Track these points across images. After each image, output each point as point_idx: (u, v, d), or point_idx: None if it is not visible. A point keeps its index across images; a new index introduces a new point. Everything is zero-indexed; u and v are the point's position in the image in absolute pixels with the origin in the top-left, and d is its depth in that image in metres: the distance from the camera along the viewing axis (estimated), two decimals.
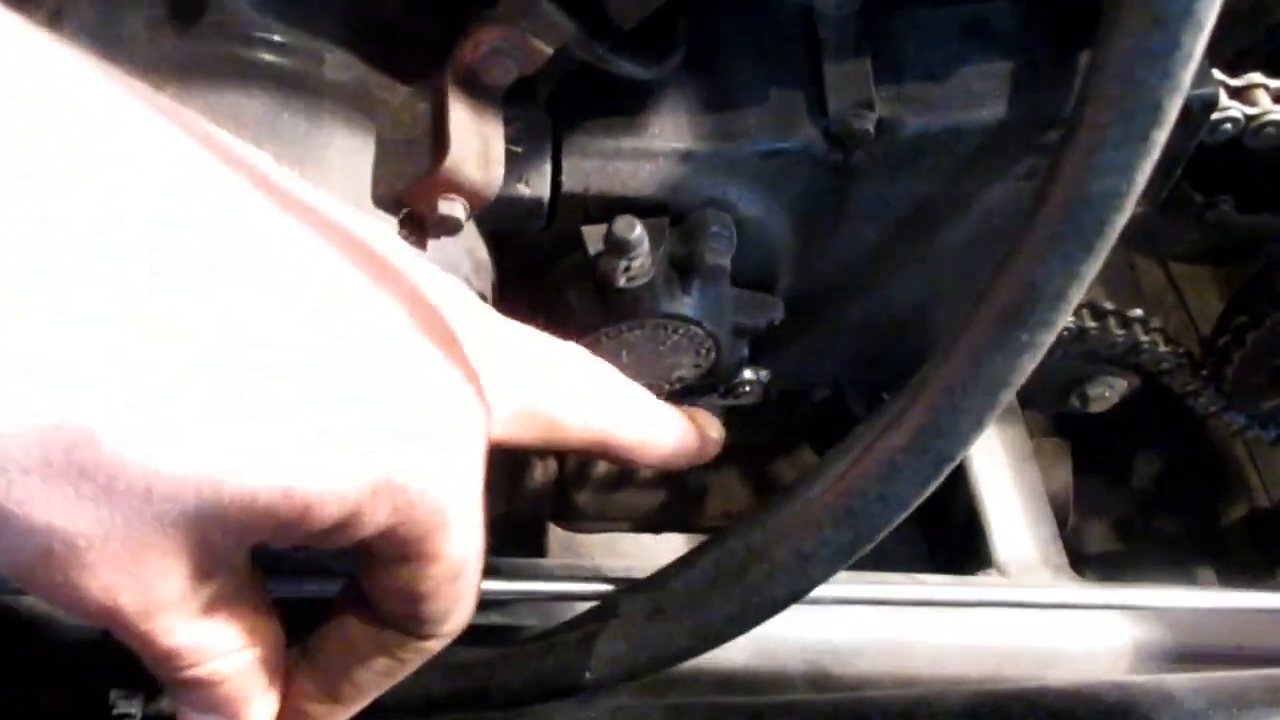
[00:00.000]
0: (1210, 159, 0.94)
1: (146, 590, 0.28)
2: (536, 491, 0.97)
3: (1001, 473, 0.83)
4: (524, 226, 0.53)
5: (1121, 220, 0.32)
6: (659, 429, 0.50)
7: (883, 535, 0.40)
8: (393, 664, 0.38)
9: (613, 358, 0.58)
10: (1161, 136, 0.30)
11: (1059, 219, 0.32)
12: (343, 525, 0.31)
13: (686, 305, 0.55)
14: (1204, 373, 1.00)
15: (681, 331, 0.56)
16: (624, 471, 0.96)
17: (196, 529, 0.28)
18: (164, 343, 0.27)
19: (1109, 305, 0.93)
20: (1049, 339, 0.34)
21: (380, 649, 0.37)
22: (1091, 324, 0.91)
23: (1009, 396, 0.36)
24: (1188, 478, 1.45)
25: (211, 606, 0.31)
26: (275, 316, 0.29)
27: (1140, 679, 0.49)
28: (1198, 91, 0.52)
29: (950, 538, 0.83)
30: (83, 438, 0.25)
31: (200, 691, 0.33)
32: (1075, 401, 0.99)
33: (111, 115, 0.28)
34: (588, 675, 0.47)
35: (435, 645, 0.38)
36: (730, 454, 1.01)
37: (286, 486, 0.28)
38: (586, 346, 0.56)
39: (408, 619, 0.36)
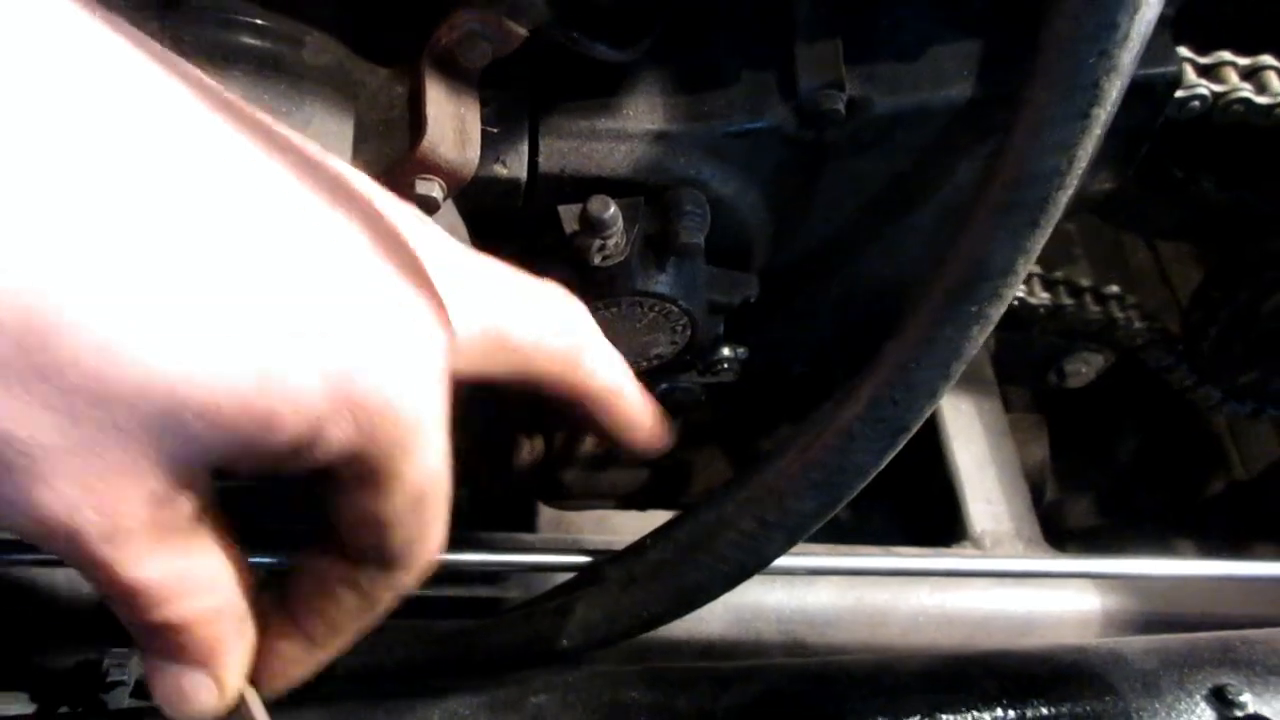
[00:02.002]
0: (1191, 136, 0.95)
1: (108, 510, 0.28)
2: (523, 470, 0.98)
3: (977, 448, 0.85)
4: (502, 206, 0.54)
5: (1065, 196, 0.33)
6: (627, 385, 0.50)
7: (844, 503, 0.42)
8: (364, 601, 0.36)
9: None
10: (1102, 114, 0.32)
11: (1004, 196, 0.33)
12: (306, 443, 0.30)
13: (661, 283, 0.56)
14: (1180, 348, 1.02)
15: (657, 309, 0.58)
16: (609, 450, 0.98)
17: (158, 441, 0.27)
18: (124, 245, 0.26)
19: (1085, 282, 0.94)
20: (998, 312, 0.36)
21: (351, 586, 0.36)
22: (1068, 300, 0.92)
23: (961, 368, 0.37)
24: (1168, 454, 1.47)
25: (177, 536, 0.30)
26: (232, 225, 0.29)
27: (1095, 642, 0.51)
28: (1160, 69, 0.53)
29: (927, 512, 0.84)
30: (41, 336, 0.25)
31: (170, 638, 0.32)
32: (1053, 377, 1.01)
33: (79, 30, 0.28)
34: (565, 642, 0.49)
35: (406, 579, 0.36)
36: (712, 432, 1.03)
37: (245, 394, 0.28)
38: None
39: (375, 550, 0.35)
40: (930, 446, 0.85)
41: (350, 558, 0.35)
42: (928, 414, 0.38)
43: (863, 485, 0.41)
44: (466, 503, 0.93)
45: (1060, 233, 1.11)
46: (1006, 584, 0.73)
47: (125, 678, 0.51)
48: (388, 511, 0.34)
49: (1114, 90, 0.31)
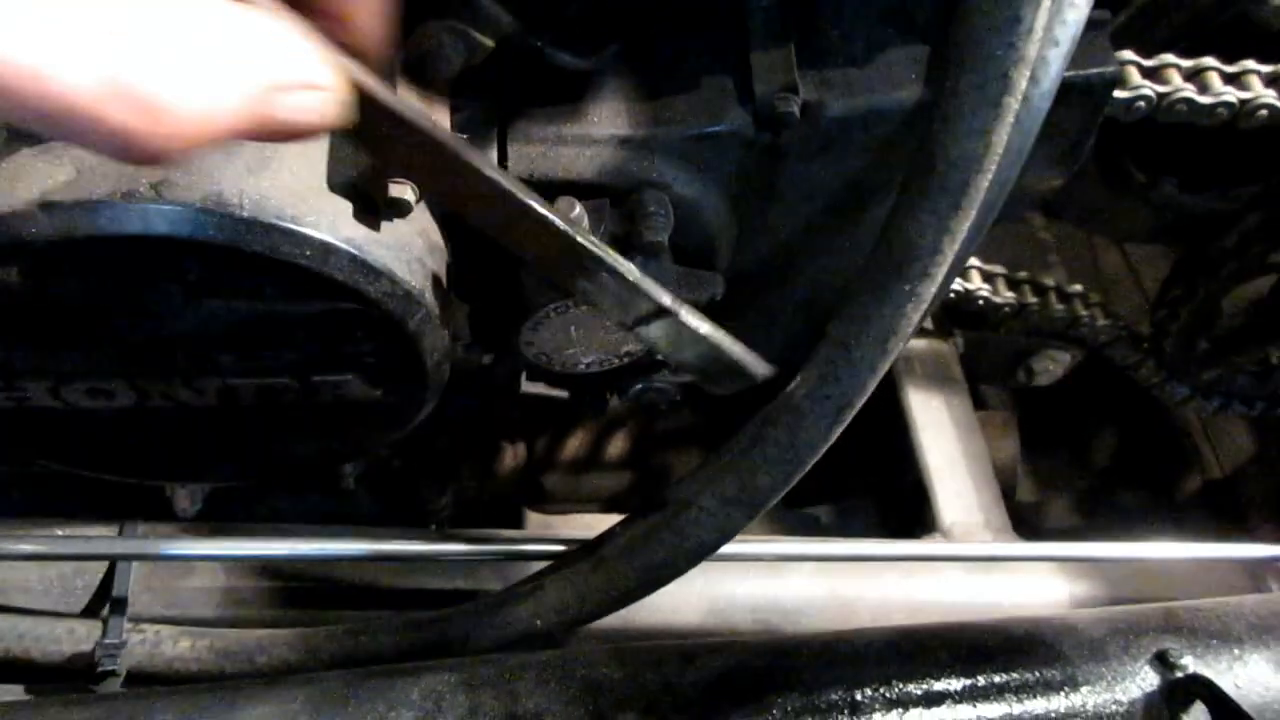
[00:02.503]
0: (1149, 140, 0.98)
1: None
2: (506, 475, 1.00)
3: (947, 444, 0.87)
4: None
5: (984, 180, 0.36)
6: None
7: (796, 478, 0.44)
8: None
9: (561, 333, 0.61)
10: (1013, 104, 0.34)
11: (927, 181, 0.35)
12: None
13: None
14: (1145, 346, 1.05)
15: None
16: (591, 454, 1.00)
17: None
18: None
19: (1049, 281, 0.97)
20: (929, 290, 0.38)
21: None
22: (1032, 299, 0.95)
23: (899, 345, 0.39)
24: (1144, 454, 1.50)
25: None
26: None
27: (1049, 615, 0.53)
28: (1098, 70, 0.56)
29: (900, 506, 0.86)
30: None
31: None
32: (1021, 375, 1.03)
33: None
34: (538, 623, 0.51)
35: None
36: (692, 435, 1.05)
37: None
38: (537, 323, 0.60)
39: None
40: (901, 443, 0.87)
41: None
42: (869, 390, 0.41)
43: (814, 459, 0.43)
44: (452, 508, 0.95)
45: (1035, 240, 1.13)
46: (975, 572, 0.75)
47: (116, 668, 0.52)
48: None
49: (1022, 80, 0.33)
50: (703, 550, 0.46)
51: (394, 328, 0.53)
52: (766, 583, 0.71)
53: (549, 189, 0.57)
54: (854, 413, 0.41)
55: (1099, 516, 1.44)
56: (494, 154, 0.56)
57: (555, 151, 0.56)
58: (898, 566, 0.73)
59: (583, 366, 0.64)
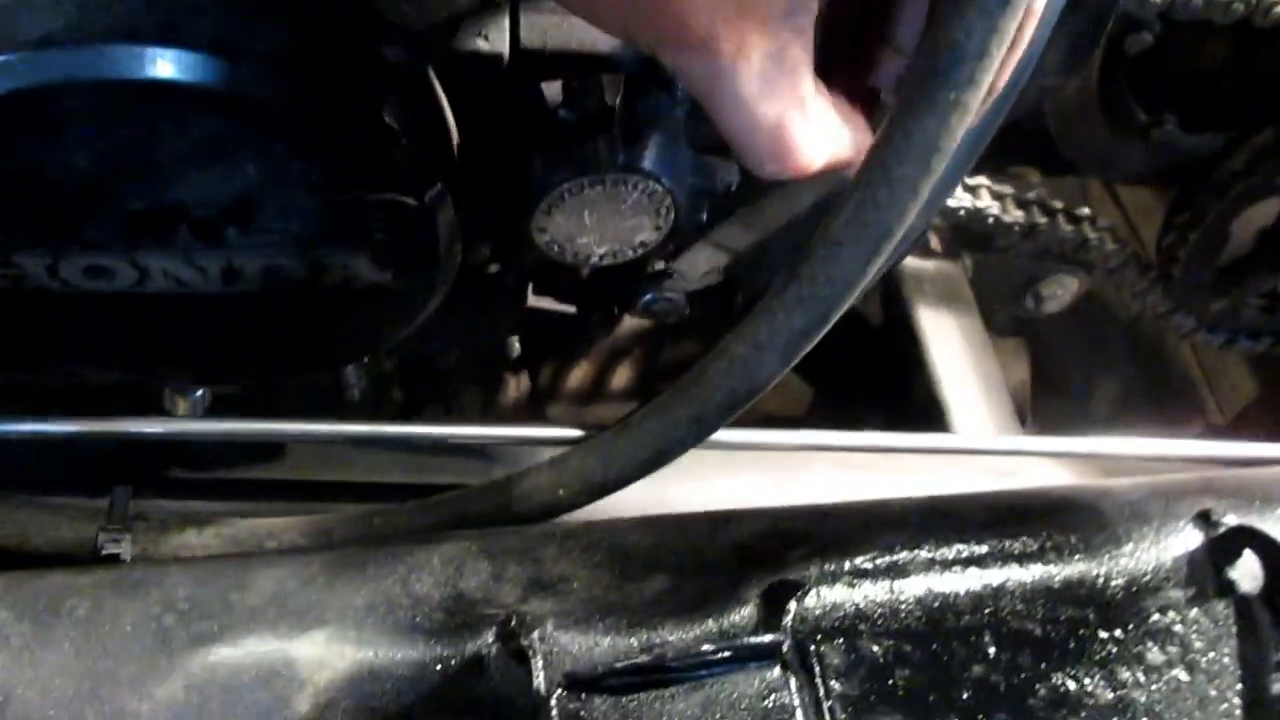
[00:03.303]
0: (1156, 79, 0.97)
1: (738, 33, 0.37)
2: (509, 407, 0.98)
3: (959, 358, 0.86)
4: (484, 81, 0.55)
5: None
6: None
7: (835, 318, 0.42)
8: None
9: (575, 218, 0.60)
10: None
11: None
12: None
13: (645, 159, 0.57)
14: (1151, 273, 1.04)
15: (640, 188, 0.58)
16: (596, 384, 0.98)
17: None
18: None
19: (1058, 203, 0.96)
20: (975, 99, 0.36)
21: None
22: (1041, 219, 0.94)
23: (942, 163, 0.38)
24: (1144, 400, 1.49)
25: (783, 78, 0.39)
26: None
27: (1085, 482, 0.52)
28: None
29: (912, 418, 0.85)
30: None
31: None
32: (1029, 302, 1.02)
33: None
34: (561, 493, 0.49)
35: None
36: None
37: None
38: (549, 205, 0.59)
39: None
40: (911, 357, 0.86)
41: None
42: (911, 216, 0.39)
43: (851, 296, 0.41)
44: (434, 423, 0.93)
45: (1027, 184, 1.12)
46: (993, 476, 0.73)
47: (120, 553, 0.50)
48: None
49: None
50: (734, 402, 0.44)
51: (409, 199, 0.52)
52: (782, 481, 0.69)
53: (564, 61, 0.55)
54: (894, 244, 0.40)
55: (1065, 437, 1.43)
56: (506, 22, 0.54)
57: (570, 22, 0.55)
58: (914, 469, 0.72)
59: (596, 257, 0.63)
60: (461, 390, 0.93)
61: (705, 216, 0.64)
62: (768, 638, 0.39)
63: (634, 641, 0.42)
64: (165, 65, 0.44)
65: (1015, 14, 0.35)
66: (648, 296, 0.74)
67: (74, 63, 0.43)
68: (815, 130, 0.40)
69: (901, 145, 0.38)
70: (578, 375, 0.97)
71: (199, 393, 0.69)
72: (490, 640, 0.42)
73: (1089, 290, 1.09)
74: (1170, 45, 0.93)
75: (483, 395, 0.95)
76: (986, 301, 0.98)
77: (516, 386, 0.97)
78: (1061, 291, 1.01)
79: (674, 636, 0.43)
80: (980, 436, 0.74)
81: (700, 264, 0.73)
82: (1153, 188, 1.38)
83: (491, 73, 0.55)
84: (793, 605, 0.41)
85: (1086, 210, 0.98)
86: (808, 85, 0.40)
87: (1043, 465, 0.73)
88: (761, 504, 0.69)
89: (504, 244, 0.65)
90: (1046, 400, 1.35)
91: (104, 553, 0.50)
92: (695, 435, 0.46)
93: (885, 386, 0.89)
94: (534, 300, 0.77)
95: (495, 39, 0.54)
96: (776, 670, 0.40)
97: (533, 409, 0.98)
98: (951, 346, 0.86)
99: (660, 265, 0.73)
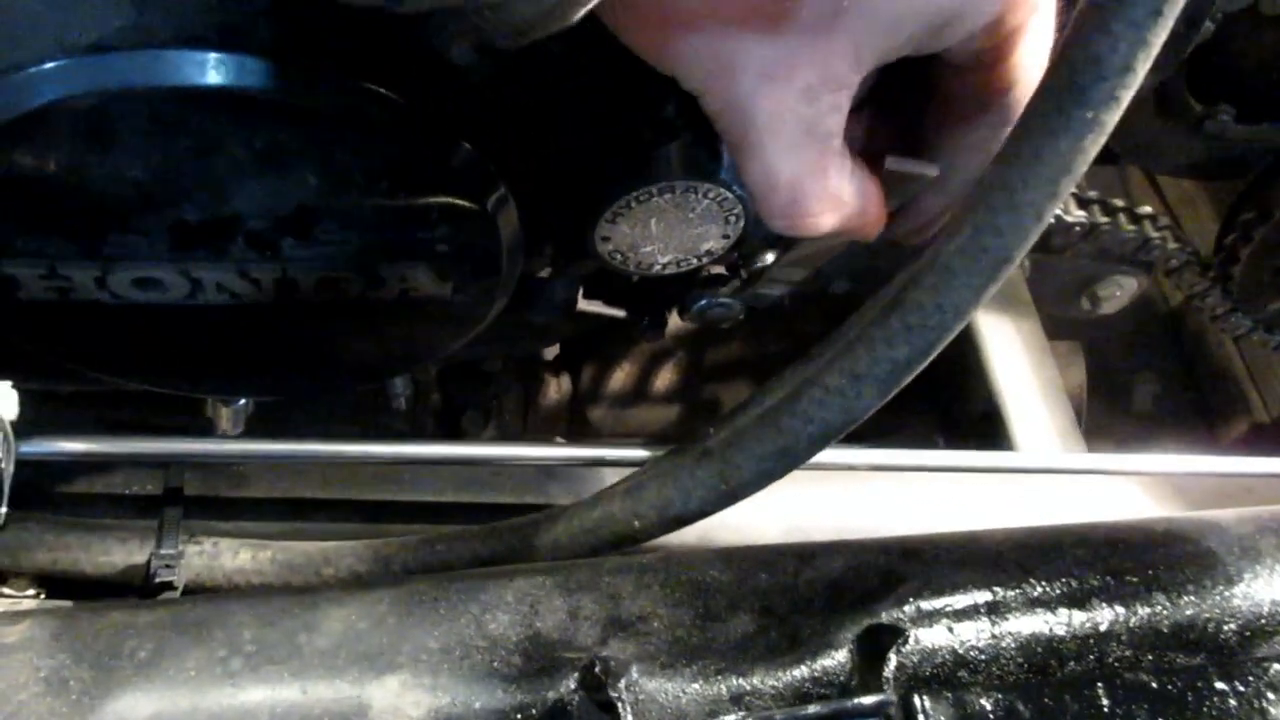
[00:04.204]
0: (1210, 68, 0.94)
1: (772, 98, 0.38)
2: (551, 409, 0.96)
3: (1019, 367, 0.83)
4: (549, 84, 0.52)
5: None
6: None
7: (939, 348, 0.40)
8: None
9: (641, 226, 0.57)
10: None
11: None
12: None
13: (716, 166, 0.54)
14: (1211, 273, 1.01)
15: (711, 195, 0.56)
16: (638, 386, 0.96)
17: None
18: None
19: (1119, 202, 0.93)
20: (1113, 119, 0.34)
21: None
22: (1103, 219, 0.91)
23: (1071, 186, 0.35)
24: (1188, 398, 1.46)
25: (813, 141, 0.40)
26: None
27: (1188, 514, 0.49)
28: None
29: (970, 431, 0.82)
30: None
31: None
32: (1086, 303, 0.99)
33: None
34: (636, 524, 0.47)
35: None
36: (742, 366, 1.01)
37: None
38: (614, 213, 0.56)
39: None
40: (971, 367, 0.83)
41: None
42: (1032, 242, 0.36)
43: (959, 327, 0.39)
44: (493, 443, 0.91)
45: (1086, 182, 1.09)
46: (1060, 494, 0.71)
47: (174, 579, 0.48)
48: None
49: None
50: (828, 434, 0.42)
51: (470, 206, 0.49)
52: (846, 502, 0.67)
53: (633, 65, 0.52)
54: (1012, 269, 0.37)
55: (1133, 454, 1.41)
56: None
57: None
58: (979, 490, 0.69)
59: (659, 266, 0.60)
60: (501, 393, 0.91)
61: None
62: (874, 698, 0.36)
63: (723, 689, 0.40)
64: (224, 71, 0.41)
65: (1165, 27, 0.32)
66: (703, 301, 0.71)
67: (129, 69, 0.40)
68: (830, 196, 0.41)
69: (1030, 167, 0.35)
70: (619, 377, 0.95)
71: (242, 401, 0.66)
72: (573, 687, 0.39)
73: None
74: (1227, 36, 0.90)
75: (523, 397, 0.92)
76: (1043, 303, 0.95)
77: (557, 388, 0.95)
78: (1120, 292, 0.97)
79: (765, 684, 0.40)
80: (1046, 454, 0.71)
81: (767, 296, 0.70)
82: (1198, 180, 1.34)
83: (556, 76, 0.52)
84: (893, 656, 0.39)
85: (1148, 209, 0.95)
86: (833, 153, 0.40)
87: (1109, 479, 0.71)
88: (822, 519, 0.67)
89: (563, 252, 0.62)
90: (1088, 402, 1.32)
91: (157, 580, 0.48)
92: (783, 469, 0.44)
93: (939, 393, 0.86)
94: (583, 304, 0.75)
95: (561, 40, 0.51)
96: None
97: (573, 411, 0.95)
98: (1011, 351, 0.83)
99: (717, 269, 0.70)
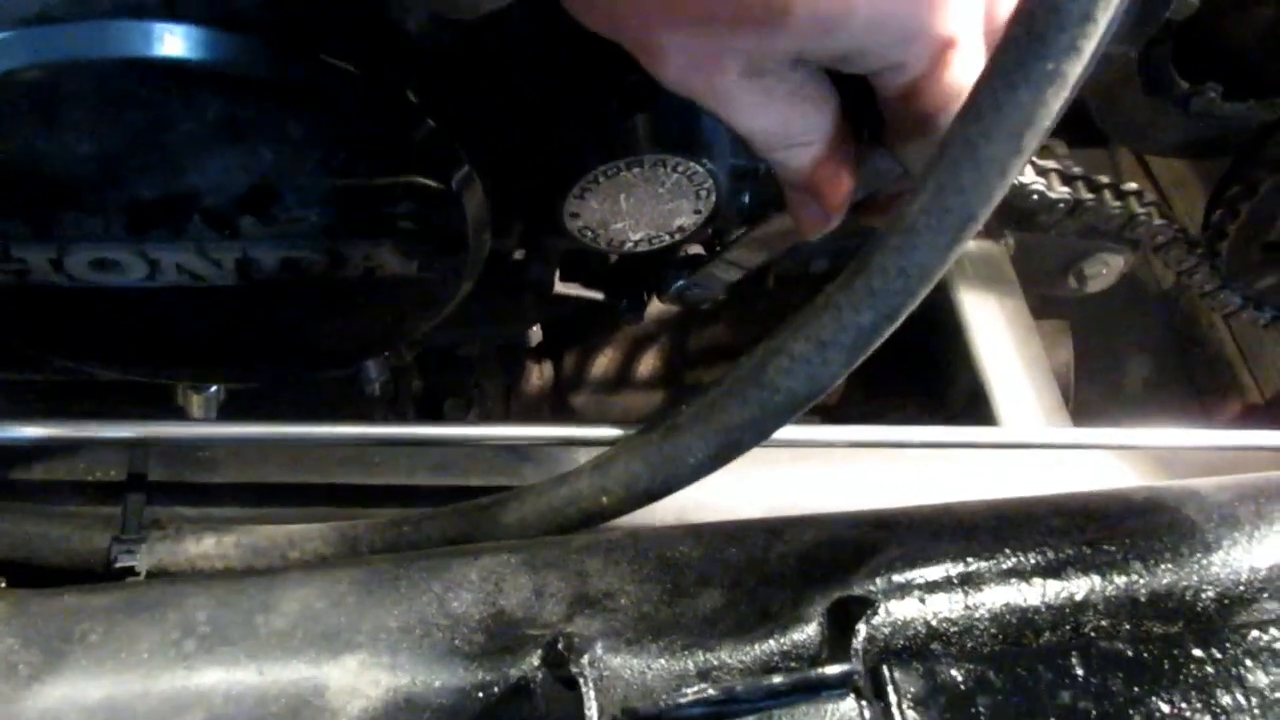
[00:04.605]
0: (1196, 46, 0.93)
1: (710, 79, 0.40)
2: (533, 395, 0.95)
3: (1004, 345, 0.82)
4: (510, 55, 0.51)
5: None
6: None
7: (905, 312, 0.39)
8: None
9: (610, 202, 0.56)
10: None
11: None
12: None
13: (685, 138, 0.53)
14: (1199, 249, 1.00)
15: (680, 169, 0.55)
16: (621, 371, 0.95)
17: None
18: None
19: (1104, 179, 0.92)
20: (1075, 70, 0.33)
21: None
22: (1088, 195, 0.90)
23: (1035, 141, 0.34)
24: (1180, 379, 1.46)
25: (774, 101, 0.41)
26: None
27: (1167, 483, 0.49)
28: None
29: (955, 410, 0.82)
30: None
31: (784, 176, 0.45)
32: (1072, 281, 0.98)
33: None
34: (604, 500, 0.46)
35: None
36: (726, 350, 1.00)
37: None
38: (582, 189, 0.55)
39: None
40: (954, 346, 0.82)
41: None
42: (997, 201, 0.35)
43: (925, 290, 0.38)
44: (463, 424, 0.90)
45: (1072, 158, 1.08)
46: (1044, 470, 0.70)
47: (135, 564, 0.47)
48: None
49: None
50: (794, 403, 0.41)
51: (433, 183, 0.48)
52: (825, 482, 0.66)
53: (597, 34, 0.51)
54: (977, 229, 0.36)
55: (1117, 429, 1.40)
56: None
57: None
58: (961, 464, 0.69)
59: (630, 243, 0.59)
60: (483, 380, 0.90)
61: (747, 199, 0.61)
62: (839, 668, 0.35)
63: (690, 664, 0.39)
64: (173, 42, 0.40)
65: None
66: (681, 282, 0.70)
67: (74, 40, 0.40)
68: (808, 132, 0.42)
69: (991, 121, 0.34)
70: (602, 362, 0.94)
71: (213, 389, 0.65)
72: (536, 664, 0.39)
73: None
74: (1213, 12, 0.89)
75: (504, 384, 0.92)
76: (1029, 282, 0.94)
77: (539, 374, 0.94)
78: (1106, 270, 0.97)
79: (733, 658, 0.39)
80: (1030, 429, 0.70)
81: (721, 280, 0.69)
82: (1188, 160, 1.33)
83: (518, 47, 0.51)
84: (862, 627, 0.38)
85: (1134, 185, 0.94)
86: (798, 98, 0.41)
87: (1094, 455, 0.70)
88: (801, 499, 0.66)
89: (533, 230, 0.62)
90: (1077, 385, 1.32)
91: (117, 565, 0.47)
92: (751, 440, 0.43)
93: (923, 371, 0.85)
94: (560, 287, 0.74)
95: (522, 10, 0.50)
96: (850, 700, 0.36)
97: (555, 398, 0.95)
98: (995, 330, 0.82)
99: (694, 249, 0.69)
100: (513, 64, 0.51)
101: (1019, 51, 0.33)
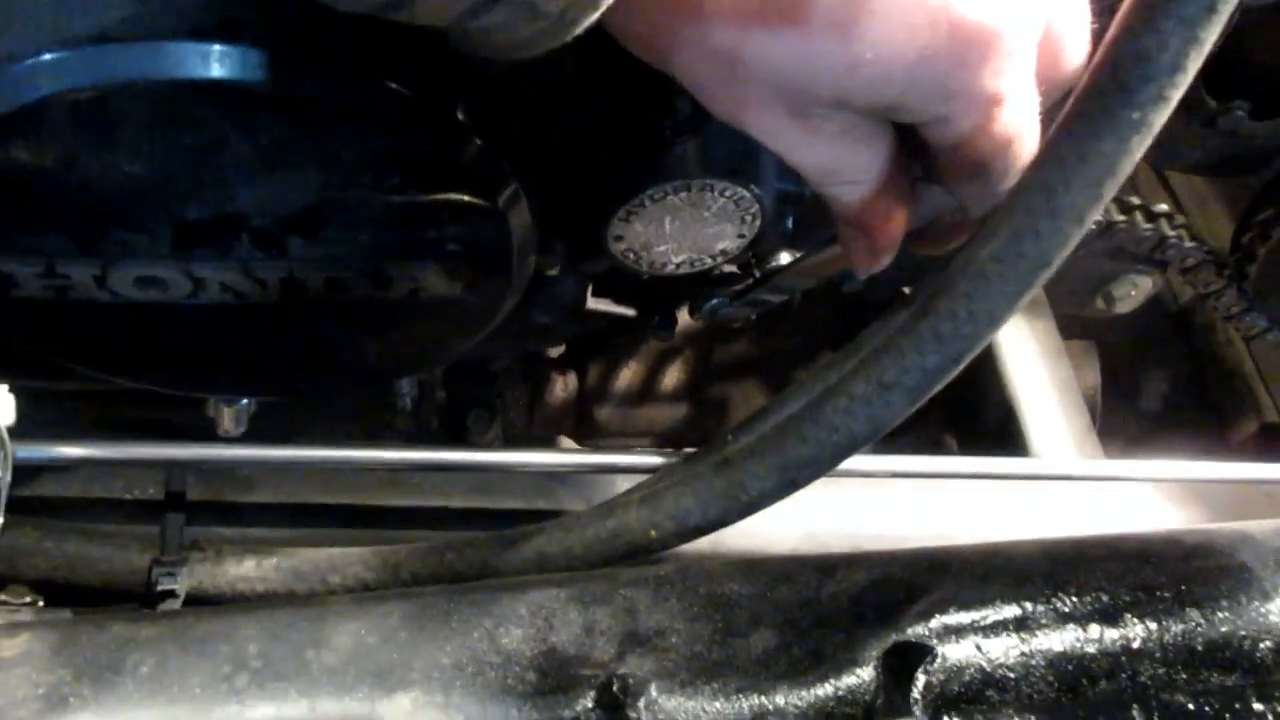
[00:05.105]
0: (1224, 64, 0.92)
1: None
2: (557, 407, 0.95)
3: (1034, 368, 0.82)
4: (562, 77, 0.51)
5: None
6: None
7: (971, 356, 0.38)
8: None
9: (655, 225, 0.55)
10: None
11: None
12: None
13: (732, 164, 0.53)
14: (1227, 272, 0.99)
15: (727, 194, 0.54)
16: (646, 385, 0.94)
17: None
18: None
19: (1135, 200, 0.91)
20: (1161, 119, 0.32)
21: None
22: (1119, 217, 0.89)
23: (1115, 188, 0.34)
24: (1197, 397, 1.45)
25: (824, 138, 0.40)
26: None
27: (1218, 525, 0.48)
28: None
29: (985, 433, 0.81)
30: None
31: (835, 210, 0.44)
32: (1100, 302, 0.98)
33: None
34: (653, 534, 0.46)
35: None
36: (751, 365, 0.99)
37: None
38: (628, 212, 0.54)
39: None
40: (985, 369, 0.82)
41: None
42: (1072, 246, 0.35)
43: (992, 334, 0.37)
44: (498, 441, 0.90)
45: None
46: (1076, 498, 0.70)
47: (175, 587, 0.47)
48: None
49: None
50: (853, 444, 0.40)
51: (482, 204, 0.48)
52: (862, 508, 0.66)
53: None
54: (1049, 275, 0.35)
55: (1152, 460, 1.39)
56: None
57: None
58: (995, 494, 0.68)
59: (672, 266, 0.58)
60: (507, 390, 0.90)
61: (791, 223, 0.60)
62: None
63: (745, 708, 0.39)
64: (227, 64, 0.40)
65: (1219, 24, 0.31)
66: (714, 301, 0.70)
67: (132, 60, 0.39)
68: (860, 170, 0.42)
69: (1073, 169, 0.33)
70: (625, 375, 0.93)
71: (244, 401, 0.65)
72: (590, 705, 0.38)
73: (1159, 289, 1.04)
74: (1243, 31, 0.89)
75: (529, 395, 0.91)
76: (1058, 303, 0.93)
77: (563, 385, 0.93)
78: (1135, 291, 0.96)
79: (788, 703, 0.39)
80: (1065, 461, 0.70)
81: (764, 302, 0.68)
82: (1212, 177, 1.33)
83: (568, 71, 0.50)
84: (921, 676, 0.37)
85: (1164, 207, 0.93)
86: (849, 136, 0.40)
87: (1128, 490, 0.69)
88: (837, 524, 0.65)
89: (575, 250, 0.61)
90: None
91: (159, 588, 0.46)
92: (807, 478, 0.42)
93: (955, 392, 0.85)
94: (592, 303, 0.73)
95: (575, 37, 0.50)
96: None
97: (579, 409, 0.94)
98: (1026, 352, 0.81)
99: (729, 268, 0.68)
100: (562, 87, 0.51)
101: (1103, 100, 0.32)
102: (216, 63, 0.39)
